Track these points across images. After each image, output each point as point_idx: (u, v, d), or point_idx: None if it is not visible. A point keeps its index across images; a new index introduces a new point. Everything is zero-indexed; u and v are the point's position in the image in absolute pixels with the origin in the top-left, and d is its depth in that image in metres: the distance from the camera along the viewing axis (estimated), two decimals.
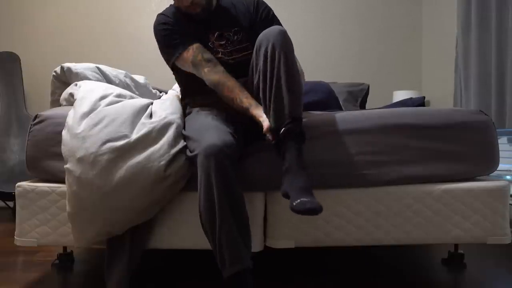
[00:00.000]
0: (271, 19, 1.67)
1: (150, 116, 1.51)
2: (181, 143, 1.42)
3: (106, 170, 1.33)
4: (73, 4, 3.51)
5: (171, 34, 1.58)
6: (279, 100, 1.31)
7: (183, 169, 1.39)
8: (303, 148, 1.31)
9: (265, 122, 1.34)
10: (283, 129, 1.28)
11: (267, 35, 1.36)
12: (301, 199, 1.19)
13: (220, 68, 1.53)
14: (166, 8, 1.67)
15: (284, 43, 1.33)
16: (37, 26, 3.50)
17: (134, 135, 1.39)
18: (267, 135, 1.34)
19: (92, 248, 1.47)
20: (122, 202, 1.34)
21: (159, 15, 1.64)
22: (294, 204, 1.19)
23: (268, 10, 1.70)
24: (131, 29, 3.50)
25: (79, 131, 1.38)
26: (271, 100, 1.32)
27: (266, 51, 1.34)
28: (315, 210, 1.18)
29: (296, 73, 1.34)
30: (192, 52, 1.55)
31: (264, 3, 1.72)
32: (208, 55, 1.55)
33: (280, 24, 1.66)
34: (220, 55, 1.60)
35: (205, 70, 1.53)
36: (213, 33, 1.61)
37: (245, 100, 1.44)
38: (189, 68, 1.58)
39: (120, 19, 3.51)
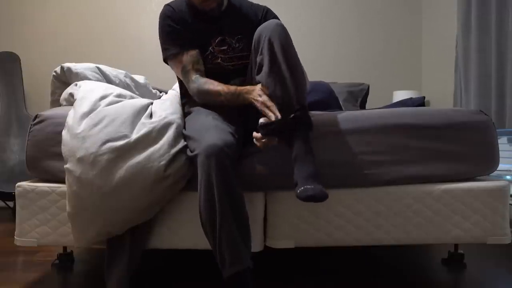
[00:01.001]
0: (273, 17, 1.68)
1: (150, 116, 1.51)
2: (181, 143, 1.42)
3: (106, 170, 1.33)
4: (73, 4, 3.51)
5: (173, 33, 1.57)
6: (284, 90, 1.31)
7: (183, 169, 1.39)
8: (311, 135, 1.32)
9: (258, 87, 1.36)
10: (291, 116, 1.28)
11: (264, 28, 1.37)
12: (305, 186, 1.22)
13: (211, 80, 1.53)
14: (171, 8, 1.63)
15: (282, 35, 1.34)
16: (37, 26, 3.50)
17: (134, 135, 1.39)
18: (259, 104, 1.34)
19: (92, 248, 1.47)
20: (122, 202, 1.34)
21: (167, 6, 1.62)
22: (298, 191, 1.22)
23: (267, 8, 1.71)
24: (131, 29, 3.50)
25: (79, 131, 1.38)
26: (274, 92, 1.32)
27: (263, 44, 1.34)
28: (314, 197, 1.19)
29: (296, 63, 1.35)
30: (186, 59, 1.55)
31: (273, 13, 1.71)
32: (199, 66, 1.56)
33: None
34: (219, 60, 1.60)
35: (193, 77, 1.53)
36: (215, 39, 1.60)
37: (230, 86, 1.46)
38: (177, 72, 1.59)
39: (120, 19, 3.51)
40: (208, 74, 1.57)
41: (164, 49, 1.60)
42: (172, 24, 1.57)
